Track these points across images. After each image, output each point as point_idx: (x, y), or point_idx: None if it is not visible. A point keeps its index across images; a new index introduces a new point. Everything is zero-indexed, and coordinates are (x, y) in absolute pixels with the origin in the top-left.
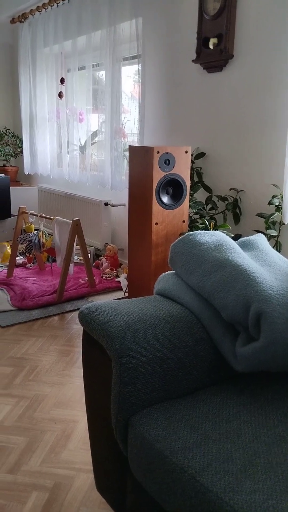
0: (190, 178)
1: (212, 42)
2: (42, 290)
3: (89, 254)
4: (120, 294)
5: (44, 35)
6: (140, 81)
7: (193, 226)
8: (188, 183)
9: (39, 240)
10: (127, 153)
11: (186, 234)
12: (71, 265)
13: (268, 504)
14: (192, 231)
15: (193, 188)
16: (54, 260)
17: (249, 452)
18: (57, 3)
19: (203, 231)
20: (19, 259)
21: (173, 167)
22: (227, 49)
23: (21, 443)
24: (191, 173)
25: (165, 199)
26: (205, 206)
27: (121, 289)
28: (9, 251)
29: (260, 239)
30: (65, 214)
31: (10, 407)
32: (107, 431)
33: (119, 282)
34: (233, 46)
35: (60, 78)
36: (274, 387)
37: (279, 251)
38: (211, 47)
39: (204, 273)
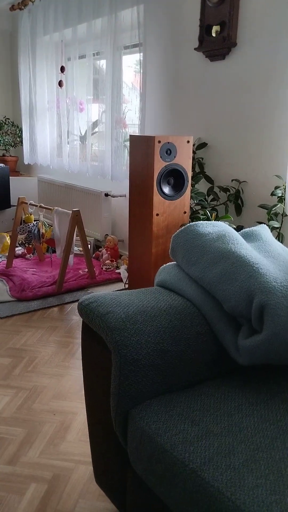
0: (192, 169)
1: (215, 30)
2: (42, 281)
3: (89, 245)
4: (120, 285)
5: (44, 22)
6: (141, 69)
7: (194, 217)
8: (189, 174)
9: (38, 230)
10: (127, 143)
11: (188, 224)
12: (71, 256)
13: (271, 499)
14: (194, 222)
15: (195, 178)
16: (54, 251)
17: (251, 447)
18: None
19: (205, 221)
20: (19, 250)
21: (175, 157)
22: (230, 37)
23: (20, 434)
24: (192, 163)
25: (166, 189)
26: (206, 197)
27: (121, 280)
28: (9, 241)
29: (264, 230)
30: (65, 204)
31: (9, 398)
32: (107, 424)
33: (119, 273)
34: (236, 34)
35: (60, 67)
36: (277, 380)
37: (281, 242)
38: (213, 34)
39: (206, 264)
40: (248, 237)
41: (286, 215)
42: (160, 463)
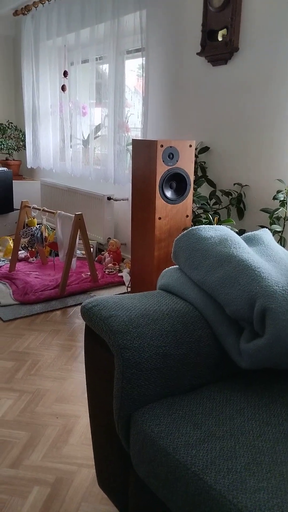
0: (194, 173)
1: (221, 34)
2: (45, 285)
3: (91, 249)
4: (123, 289)
5: (47, 27)
6: (144, 74)
7: (196, 221)
8: (192, 178)
9: (41, 234)
10: (130, 147)
11: (190, 228)
12: (74, 260)
13: (273, 503)
14: (196, 226)
15: (197, 182)
16: (57, 255)
17: (253, 450)
18: None
19: (207, 225)
20: (22, 253)
21: (177, 161)
22: (232, 42)
23: (23, 437)
24: (194, 167)
25: (168, 193)
26: (208, 200)
27: (123, 284)
28: (12, 245)
29: (266, 234)
30: (68, 208)
31: (12, 402)
32: (109, 427)
33: (121, 277)
34: (238, 38)
35: (63, 71)
36: (279, 384)
37: (283, 246)
38: (220, 39)
39: (208, 268)
40: (250, 241)
41: None
42: (163, 466)
